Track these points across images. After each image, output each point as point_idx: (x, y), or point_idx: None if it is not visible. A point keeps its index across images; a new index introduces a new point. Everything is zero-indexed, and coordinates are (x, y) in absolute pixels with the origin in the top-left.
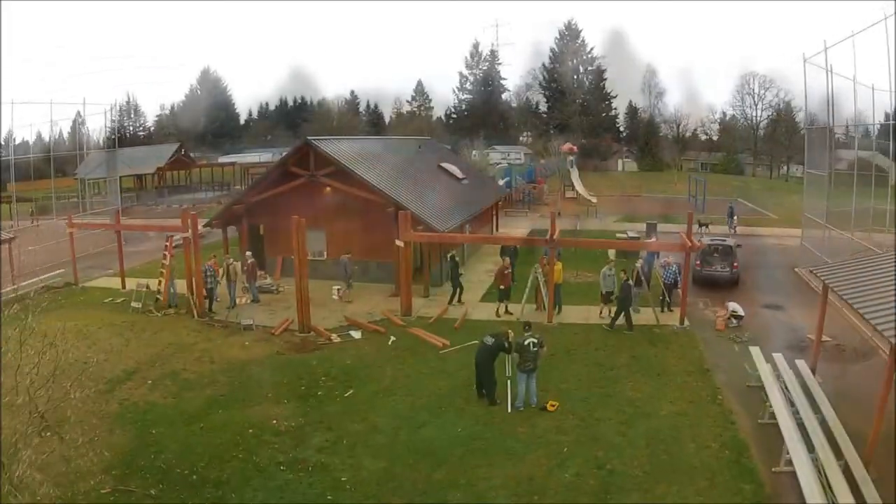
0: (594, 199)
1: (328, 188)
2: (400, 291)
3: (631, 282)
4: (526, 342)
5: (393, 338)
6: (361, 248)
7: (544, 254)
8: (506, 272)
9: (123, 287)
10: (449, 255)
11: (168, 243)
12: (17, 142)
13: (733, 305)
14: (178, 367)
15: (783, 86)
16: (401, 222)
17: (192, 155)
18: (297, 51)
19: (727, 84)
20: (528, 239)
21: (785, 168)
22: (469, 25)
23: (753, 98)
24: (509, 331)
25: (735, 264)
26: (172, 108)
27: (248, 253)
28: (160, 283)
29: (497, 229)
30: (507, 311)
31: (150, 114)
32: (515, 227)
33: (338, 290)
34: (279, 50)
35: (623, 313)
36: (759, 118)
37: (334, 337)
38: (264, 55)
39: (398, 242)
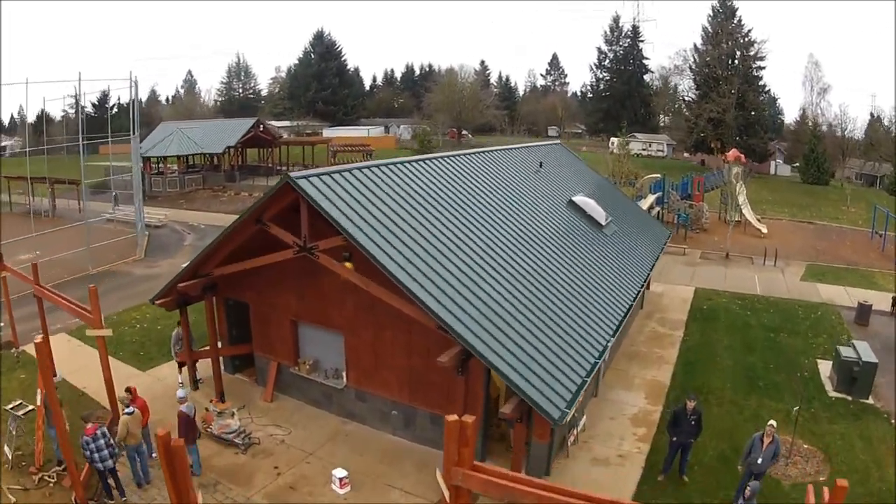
0: (764, 229)
1: (348, 262)
2: None
3: None
4: None
5: None
6: (401, 382)
7: None
8: None
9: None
10: None
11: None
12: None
13: None
14: None
15: None
16: (448, 440)
17: (297, 125)
18: (424, 17)
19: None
20: None
21: None
22: None
23: None
24: None
25: None
26: (289, 70)
27: (181, 395)
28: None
29: (648, 287)
30: None
31: (264, 76)
32: (674, 281)
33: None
34: (404, 16)
35: None
36: None
37: None
38: (388, 21)
39: (440, 482)
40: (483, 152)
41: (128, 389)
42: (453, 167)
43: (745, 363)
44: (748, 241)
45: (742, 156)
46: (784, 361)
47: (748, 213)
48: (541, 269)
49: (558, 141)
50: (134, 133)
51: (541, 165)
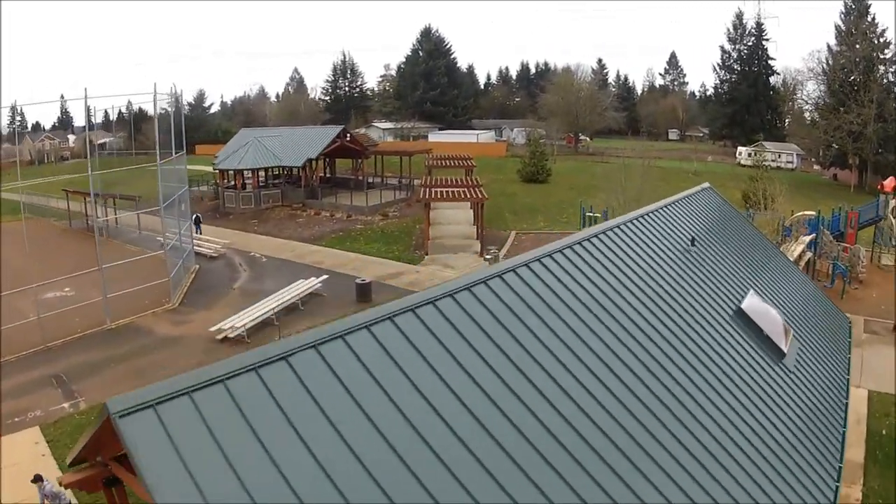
0: None
1: None
2: None
3: None
4: None
5: None
6: None
7: None
8: None
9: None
10: None
11: None
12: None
13: None
14: None
15: None
16: None
17: (402, 127)
18: (541, 12)
19: None
20: None
21: None
22: None
23: None
24: None
25: None
26: (399, 68)
27: None
28: None
29: None
30: None
31: (372, 74)
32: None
33: None
34: (521, 12)
35: None
36: None
37: None
38: (505, 16)
39: None
40: (593, 239)
41: None
42: (529, 299)
43: None
44: None
45: None
46: None
47: None
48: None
49: (706, 184)
50: (174, 150)
51: (693, 242)
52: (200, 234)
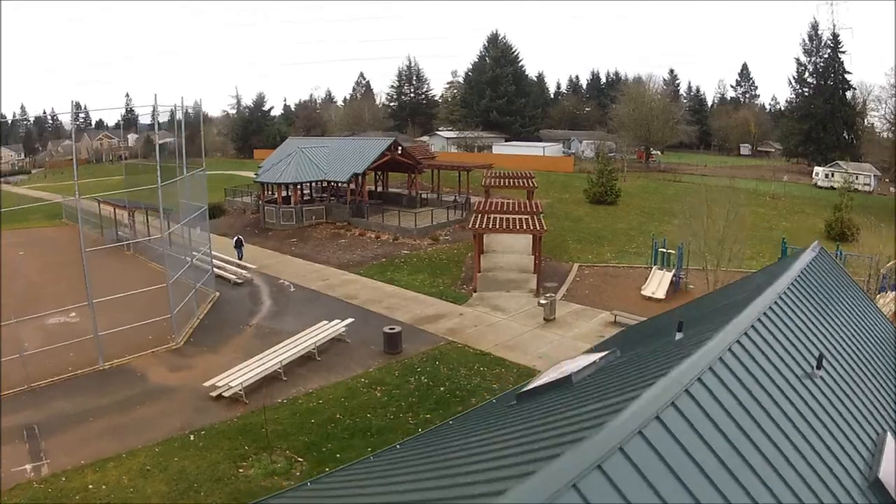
0: None
1: None
2: None
3: None
4: None
5: None
6: None
7: None
8: None
9: None
10: None
11: None
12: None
13: None
14: None
15: None
16: None
17: (466, 137)
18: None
19: None
20: None
21: None
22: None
23: None
24: None
25: None
26: (466, 75)
27: None
28: None
29: None
30: None
31: (438, 81)
32: None
33: None
34: (593, 20)
35: None
36: None
37: None
38: (576, 25)
39: None
40: (702, 378)
41: None
42: None
43: None
44: None
45: None
46: None
47: None
48: None
49: (817, 243)
50: (185, 167)
51: (820, 363)
52: (241, 258)
